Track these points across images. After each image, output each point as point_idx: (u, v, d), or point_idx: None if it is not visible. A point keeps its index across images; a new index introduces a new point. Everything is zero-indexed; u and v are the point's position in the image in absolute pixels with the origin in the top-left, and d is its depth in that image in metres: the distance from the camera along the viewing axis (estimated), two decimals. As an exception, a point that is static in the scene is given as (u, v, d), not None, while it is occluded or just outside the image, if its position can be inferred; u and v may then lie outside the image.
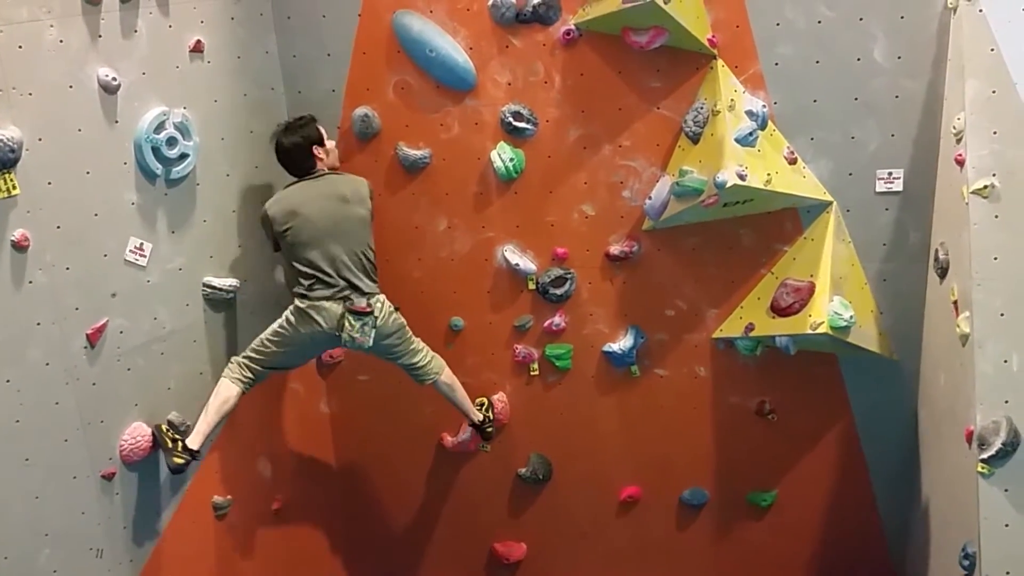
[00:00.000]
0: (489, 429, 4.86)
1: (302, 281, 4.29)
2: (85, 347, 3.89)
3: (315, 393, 5.14)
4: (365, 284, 4.32)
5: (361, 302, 4.27)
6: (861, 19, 4.15)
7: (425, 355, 4.58)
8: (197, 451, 4.15)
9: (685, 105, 4.38)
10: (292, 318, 4.30)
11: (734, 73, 4.31)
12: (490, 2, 4.44)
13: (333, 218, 4.31)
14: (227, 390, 4.28)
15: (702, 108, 4.31)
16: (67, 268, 3.80)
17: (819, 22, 4.19)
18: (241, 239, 4.54)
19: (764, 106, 4.26)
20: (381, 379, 5.02)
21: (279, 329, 4.33)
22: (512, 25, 4.47)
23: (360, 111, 4.68)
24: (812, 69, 4.25)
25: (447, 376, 4.66)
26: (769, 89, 4.31)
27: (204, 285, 4.36)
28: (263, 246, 4.55)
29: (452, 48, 4.51)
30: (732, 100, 4.24)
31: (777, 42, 4.25)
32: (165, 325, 4.21)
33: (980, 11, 3.80)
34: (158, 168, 4.06)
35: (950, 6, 3.99)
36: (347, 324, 4.24)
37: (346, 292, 4.27)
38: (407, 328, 4.50)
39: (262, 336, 4.37)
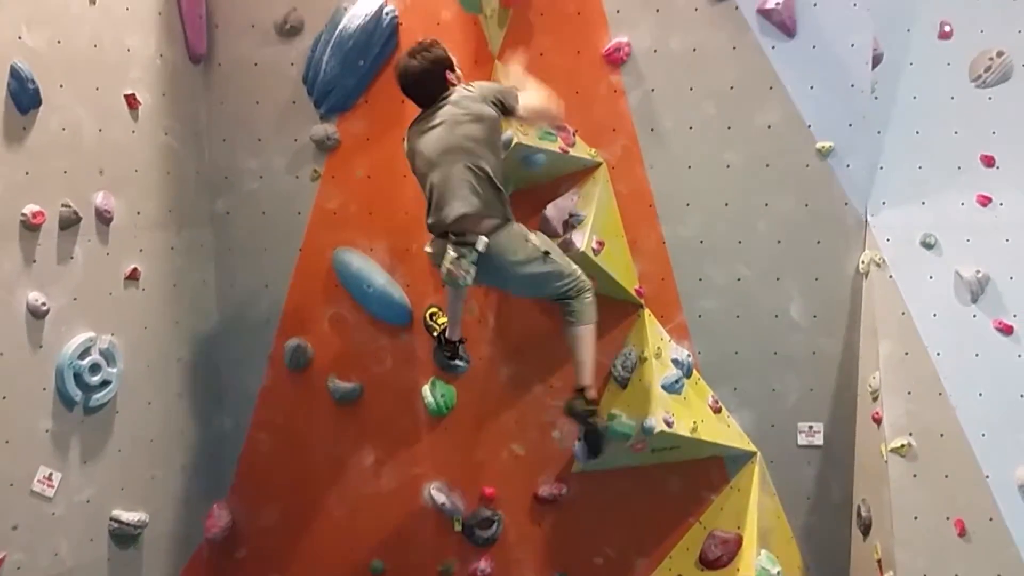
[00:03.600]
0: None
1: None
2: (-24, 585, 3.63)
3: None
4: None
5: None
6: (778, 279, 4.37)
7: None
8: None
9: (614, 350, 4.48)
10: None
11: (660, 322, 4.46)
12: (428, 248, 4.56)
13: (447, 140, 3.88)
14: None
15: (630, 354, 4.41)
16: (-32, 499, 3.61)
17: (738, 279, 4.40)
18: (155, 470, 4.37)
19: (689, 355, 4.40)
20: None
21: None
22: (448, 266, 4.60)
23: (293, 342, 4.69)
24: (733, 323, 4.42)
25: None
26: (693, 339, 4.45)
27: (111, 519, 4.12)
28: (177, 476, 4.37)
29: (389, 284, 4.62)
30: (659, 348, 4.36)
31: (699, 296, 4.44)
32: (66, 561, 3.93)
33: (890, 276, 4.04)
34: (77, 395, 3.95)
35: (862, 271, 4.24)
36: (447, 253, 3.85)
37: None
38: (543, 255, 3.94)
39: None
